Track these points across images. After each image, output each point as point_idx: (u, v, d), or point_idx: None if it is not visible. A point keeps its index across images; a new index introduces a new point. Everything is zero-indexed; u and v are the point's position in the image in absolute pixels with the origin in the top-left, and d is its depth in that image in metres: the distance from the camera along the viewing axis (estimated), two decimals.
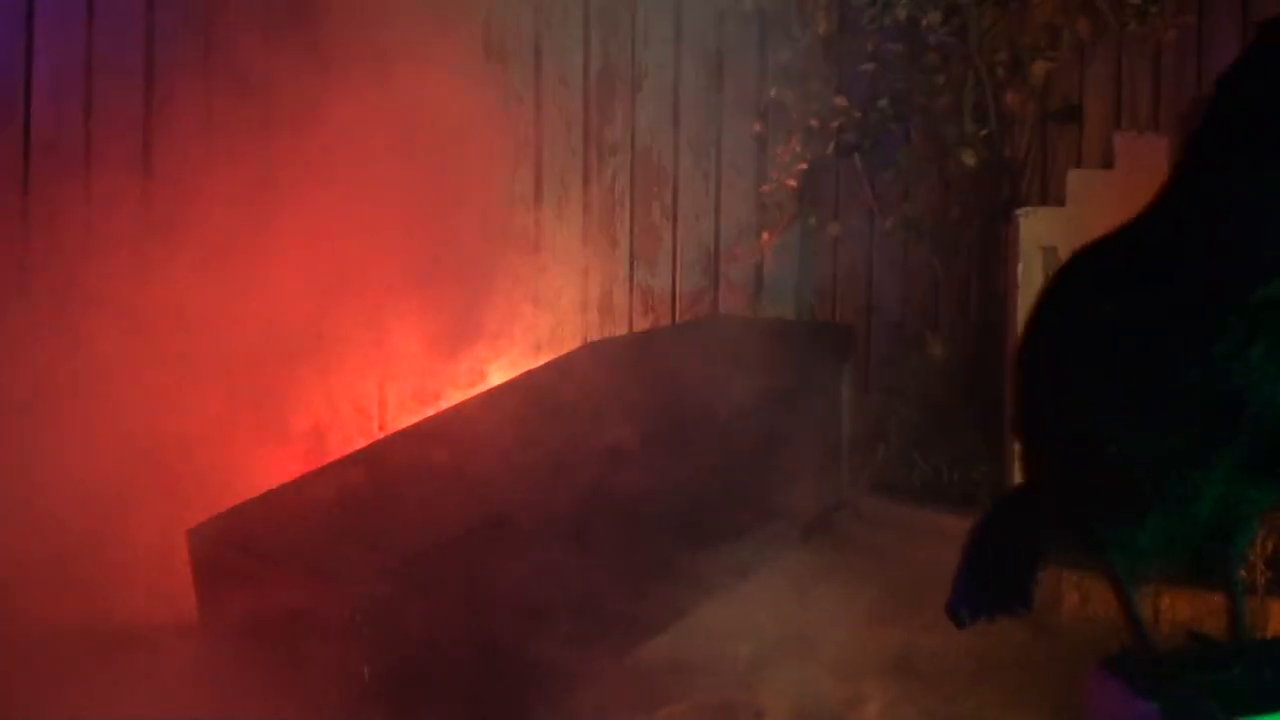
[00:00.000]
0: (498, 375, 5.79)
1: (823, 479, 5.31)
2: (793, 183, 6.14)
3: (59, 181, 5.68)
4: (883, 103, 5.62)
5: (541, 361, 5.96)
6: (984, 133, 5.50)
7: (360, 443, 4.93)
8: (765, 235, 6.24)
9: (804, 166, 6.12)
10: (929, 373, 5.87)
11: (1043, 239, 5.19)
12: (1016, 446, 5.14)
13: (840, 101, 5.84)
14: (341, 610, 3.61)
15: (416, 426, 4.80)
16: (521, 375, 5.29)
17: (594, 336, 6.21)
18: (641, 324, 6.32)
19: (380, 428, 5.38)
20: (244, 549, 3.95)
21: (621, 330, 6.28)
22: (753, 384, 5.03)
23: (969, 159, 5.48)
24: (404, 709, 3.75)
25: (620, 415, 4.75)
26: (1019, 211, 5.23)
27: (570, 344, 6.14)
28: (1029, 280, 5.19)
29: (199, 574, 4.05)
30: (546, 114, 6.26)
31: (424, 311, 5.73)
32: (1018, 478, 5.14)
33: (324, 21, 5.53)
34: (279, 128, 5.58)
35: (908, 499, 5.45)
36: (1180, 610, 4.43)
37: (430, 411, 5.15)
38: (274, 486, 4.33)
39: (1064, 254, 5.12)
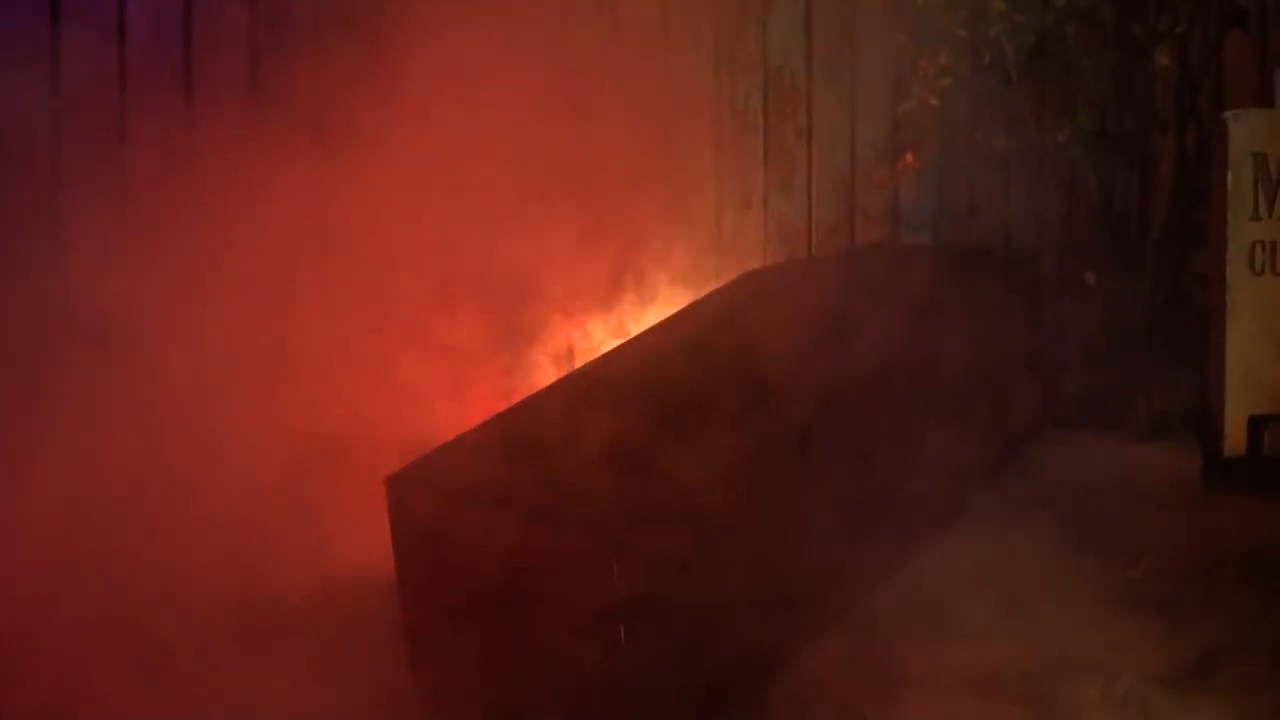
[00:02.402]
0: (637, 307, 5.37)
1: (1013, 412, 4.91)
2: (935, 101, 5.69)
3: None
4: (1060, 1, 5.14)
5: (680, 293, 5.55)
6: (1179, 29, 5.05)
7: (540, 379, 4.49)
8: (909, 157, 5.79)
9: (948, 83, 5.66)
10: (1094, 299, 5.45)
11: (1253, 144, 4.78)
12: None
13: (998, 5, 5.37)
14: (600, 561, 3.16)
15: (597, 363, 4.35)
16: (688, 308, 4.84)
17: (727, 268, 5.75)
18: (777, 254, 5.87)
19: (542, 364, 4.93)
20: (457, 496, 3.49)
21: (755, 263, 5.83)
22: (934, 317, 4.64)
23: (1163, 58, 5.03)
24: (664, 671, 3.32)
25: (808, 349, 4.34)
26: (1227, 115, 4.81)
27: (704, 275, 5.69)
28: (1239, 188, 4.80)
29: (400, 526, 3.60)
30: (674, 32, 5.78)
31: (555, 240, 5.29)
32: (1229, 406, 4.79)
33: None
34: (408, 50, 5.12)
35: (1100, 431, 5.05)
36: None
37: (603, 347, 4.72)
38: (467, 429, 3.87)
39: (1275, 160, 4.81)
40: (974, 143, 5.72)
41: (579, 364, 4.83)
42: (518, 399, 4.21)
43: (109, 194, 4.92)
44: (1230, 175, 4.80)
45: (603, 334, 5.12)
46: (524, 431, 3.88)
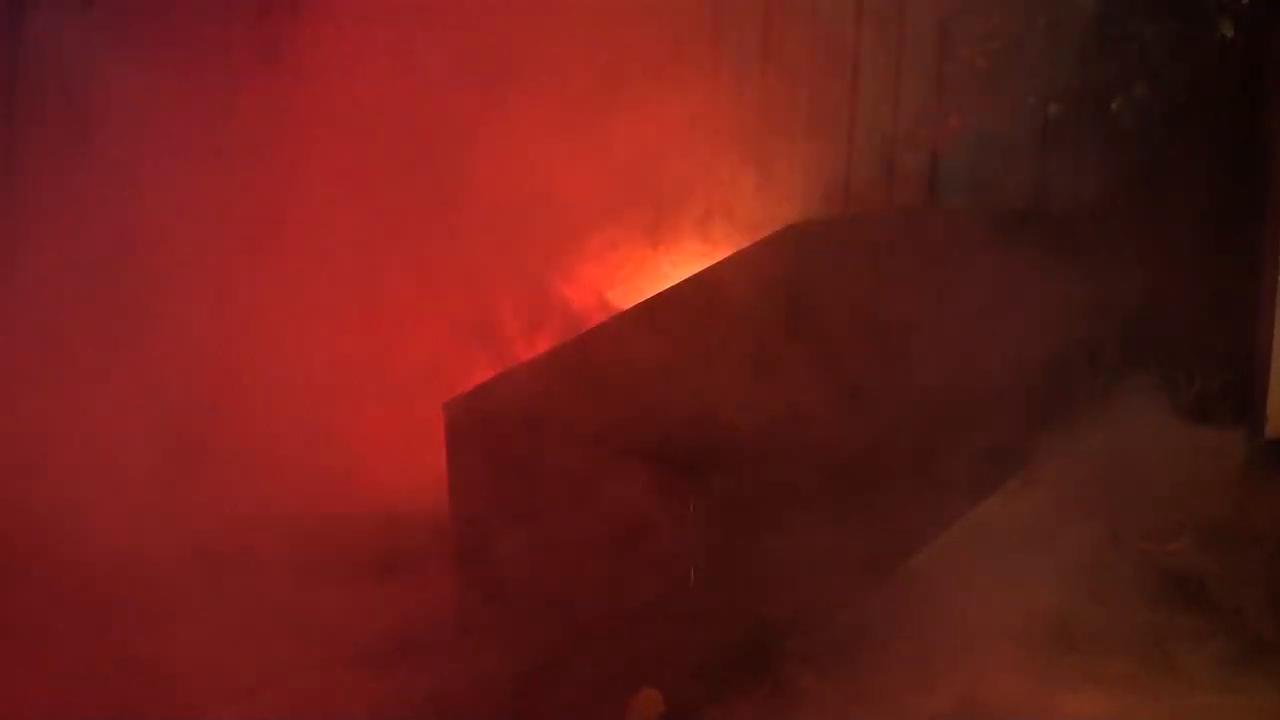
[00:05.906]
0: (675, 253, 5.28)
1: (1055, 386, 4.85)
2: (983, 63, 5.58)
3: None
4: None
5: (720, 243, 5.47)
6: (1244, 0, 4.95)
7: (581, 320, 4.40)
8: (953, 120, 5.68)
9: (996, 46, 5.55)
10: (1139, 273, 5.36)
11: None
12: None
13: None
14: (672, 499, 3.07)
15: (646, 304, 4.27)
16: (733, 256, 4.76)
17: (763, 223, 5.64)
18: (816, 209, 5.77)
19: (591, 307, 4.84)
20: (515, 423, 3.40)
21: (795, 216, 5.72)
22: (981, 283, 4.57)
23: (1227, 29, 4.93)
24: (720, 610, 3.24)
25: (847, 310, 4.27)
26: None
27: (748, 225, 5.57)
28: None
29: (456, 450, 3.50)
30: None
31: (597, 186, 5.21)
32: (1273, 388, 4.73)
33: None
34: None
35: (1143, 406, 4.99)
36: None
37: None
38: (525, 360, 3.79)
39: None
40: (1020, 108, 5.61)
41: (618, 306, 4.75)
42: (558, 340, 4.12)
43: None
44: None
45: (641, 279, 5.04)
46: (583, 361, 3.80)
